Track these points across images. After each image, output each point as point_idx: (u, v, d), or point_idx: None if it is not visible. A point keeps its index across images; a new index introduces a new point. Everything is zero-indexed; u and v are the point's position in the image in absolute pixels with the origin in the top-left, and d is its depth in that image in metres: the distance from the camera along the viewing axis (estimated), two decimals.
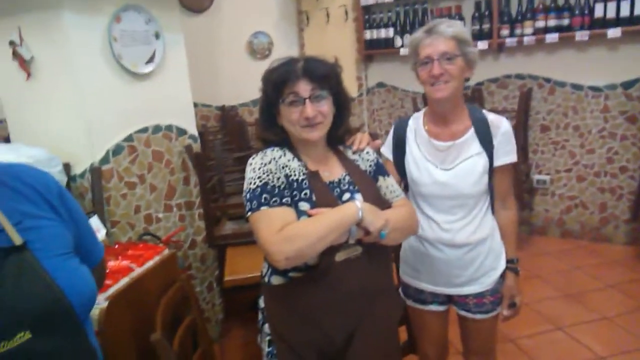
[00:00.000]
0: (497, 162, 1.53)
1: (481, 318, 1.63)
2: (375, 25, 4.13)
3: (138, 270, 1.55)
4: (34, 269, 0.82)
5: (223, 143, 3.54)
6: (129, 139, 2.28)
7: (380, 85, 4.37)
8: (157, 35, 2.34)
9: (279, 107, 1.29)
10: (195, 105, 4.00)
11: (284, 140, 1.33)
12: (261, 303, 1.39)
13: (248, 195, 1.23)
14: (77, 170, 2.16)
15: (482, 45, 3.60)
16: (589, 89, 3.46)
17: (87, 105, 2.11)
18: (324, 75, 1.27)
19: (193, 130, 2.61)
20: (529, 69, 3.66)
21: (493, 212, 1.62)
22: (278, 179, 1.23)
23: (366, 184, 1.34)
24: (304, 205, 1.22)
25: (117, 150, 2.23)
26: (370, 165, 1.40)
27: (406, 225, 1.32)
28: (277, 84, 1.26)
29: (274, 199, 1.20)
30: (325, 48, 4.38)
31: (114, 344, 1.39)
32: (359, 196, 1.28)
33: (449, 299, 1.67)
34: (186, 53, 2.56)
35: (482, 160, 1.52)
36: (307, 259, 1.19)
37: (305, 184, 1.25)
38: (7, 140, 2.41)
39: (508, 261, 1.63)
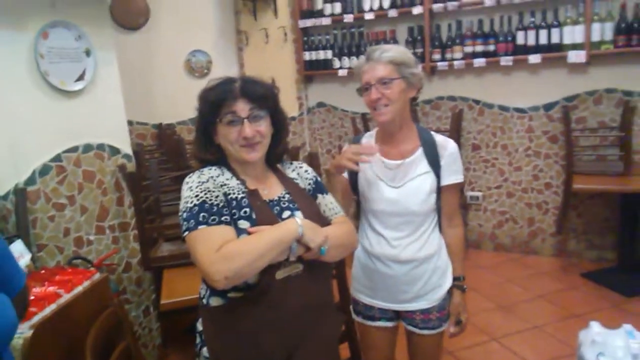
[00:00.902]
0: (444, 182, 1.58)
1: (428, 334, 1.66)
2: (314, 47, 4.21)
3: (66, 297, 1.45)
4: None
5: (160, 162, 3.44)
6: (57, 158, 2.17)
7: (321, 104, 4.43)
8: (87, 53, 2.26)
9: (217, 126, 1.28)
10: (131, 123, 3.89)
11: (221, 159, 1.32)
12: (199, 326, 1.34)
13: (185, 215, 1.20)
14: (0, 191, 2.02)
15: None
16: (515, 110, 3.69)
17: (11, 123, 1.99)
18: (262, 96, 1.28)
19: (127, 149, 2.53)
20: (459, 91, 3.85)
21: (440, 230, 1.66)
22: (217, 197, 1.21)
23: (306, 201, 1.35)
24: (243, 224, 1.21)
25: (44, 170, 2.11)
26: (309, 184, 1.41)
27: (346, 242, 1.33)
28: (214, 103, 1.26)
29: (212, 217, 1.18)
30: (265, 68, 4.40)
31: None
32: (299, 214, 1.29)
33: (397, 315, 1.69)
34: (121, 71, 2.49)
35: (430, 179, 1.57)
36: (247, 278, 1.17)
37: (245, 202, 1.24)
38: None
39: (455, 279, 1.66)
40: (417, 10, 3.71)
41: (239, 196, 1.24)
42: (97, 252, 2.33)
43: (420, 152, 1.59)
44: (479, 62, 3.58)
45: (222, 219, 1.19)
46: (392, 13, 3.82)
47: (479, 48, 3.60)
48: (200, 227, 1.17)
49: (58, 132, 2.17)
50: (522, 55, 3.43)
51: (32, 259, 1.89)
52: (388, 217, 1.60)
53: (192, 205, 1.20)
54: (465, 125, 3.88)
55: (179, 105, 4.29)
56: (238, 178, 1.29)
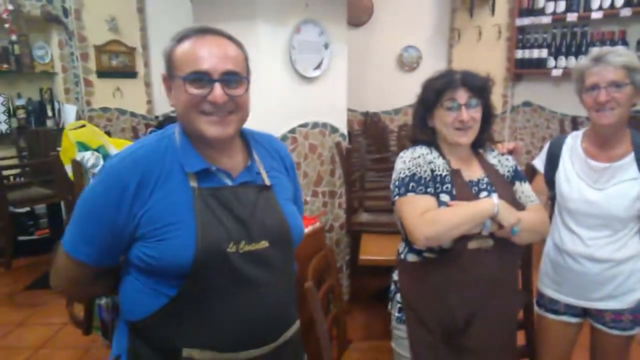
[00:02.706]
0: None
1: (617, 334, 1.65)
2: (529, 46, 4.13)
3: None
4: (275, 204, 1.15)
5: (365, 145, 3.86)
6: (293, 131, 2.68)
7: (526, 104, 4.34)
8: (326, 46, 2.71)
9: (435, 110, 1.50)
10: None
11: (432, 141, 1.55)
12: (394, 276, 1.62)
13: (397, 183, 1.47)
14: None
15: None
16: None
17: (263, 98, 2.53)
18: (480, 87, 1.47)
19: (344, 129, 2.95)
20: None
21: None
22: (425, 171, 1.46)
23: (503, 186, 1.51)
24: (444, 197, 1.43)
25: (282, 138, 2.64)
26: (508, 171, 1.56)
27: (537, 228, 1.46)
28: (438, 90, 1.47)
29: (419, 188, 1.43)
30: (473, 64, 4.45)
31: None
32: (495, 195, 1.45)
33: (584, 313, 1.71)
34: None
35: (638, 186, 1.56)
36: (443, 242, 1.40)
37: (448, 179, 1.46)
38: None
39: None
40: None
41: (443, 173, 1.47)
42: (311, 211, 2.81)
43: (631, 157, 1.58)
44: None
45: (428, 190, 1.43)
46: (625, 12, 3.54)
47: None
48: (409, 194, 1.43)
49: (296, 109, 2.67)
50: None
51: None
52: (585, 217, 1.63)
53: (404, 175, 1.46)
54: None
55: (386, 96, 4.68)
56: (444, 158, 1.51)
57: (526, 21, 4.09)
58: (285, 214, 1.16)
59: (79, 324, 1.71)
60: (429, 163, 1.48)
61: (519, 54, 4.18)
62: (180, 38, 1.08)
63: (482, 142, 1.58)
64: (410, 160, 1.49)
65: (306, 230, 1.96)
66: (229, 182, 1.12)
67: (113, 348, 1.20)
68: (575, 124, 3.74)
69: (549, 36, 4.04)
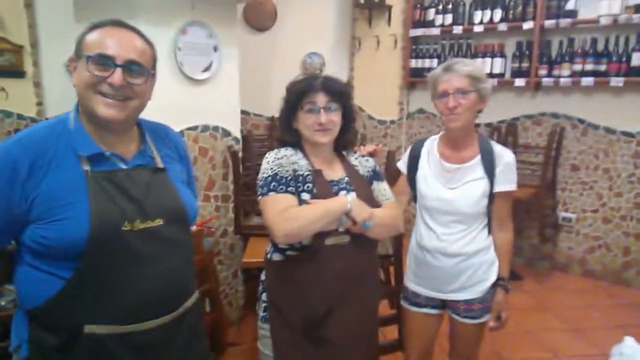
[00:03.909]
0: (497, 188, 1.72)
1: (469, 322, 1.80)
2: (421, 55, 4.37)
3: None
4: (170, 185, 1.25)
5: (268, 149, 3.87)
6: (180, 134, 2.63)
7: (421, 111, 4.59)
8: (215, 49, 2.70)
9: (297, 113, 1.55)
10: (248, 113, 4.40)
11: (297, 142, 1.60)
12: (262, 276, 1.65)
13: (261, 182, 1.51)
14: None
15: (520, 82, 3.77)
16: (622, 133, 3.53)
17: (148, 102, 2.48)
18: (338, 91, 1.54)
19: (237, 133, 2.95)
20: (564, 109, 3.78)
21: (489, 232, 1.79)
22: (287, 171, 1.50)
23: (361, 185, 1.59)
24: (305, 196, 1.48)
25: None
26: (368, 171, 1.65)
27: (390, 223, 1.55)
28: (299, 93, 1.53)
29: (280, 187, 1.47)
30: (372, 72, 4.67)
31: None
32: (353, 194, 1.52)
33: (443, 304, 1.85)
34: (246, 67, 2.91)
35: (483, 185, 1.72)
36: (302, 238, 1.45)
37: (309, 178, 1.51)
38: None
39: (499, 278, 1.78)
40: (527, 25, 3.72)
41: (305, 173, 1.52)
42: (202, 216, 2.77)
43: (478, 159, 1.73)
44: (587, 81, 3.49)
45: (288, 189, 1.47)
46: (502, 27, 3.86)
47: (589, 67, 3.51)
48: (270, 193, 1.46)
49: (184, 112, 2.63)
50: (636, 77, 3.29)
51: None
52: (440, 214, 1.77)
53: (267, 175, 1.50)
54: (566, 144, 3.79)
55: None
56: (307, 159, 1.56)
57: (419, 32, 4.32)
58: (180, 194, 1.26)
59: None
60: (292, 163, 1.53)
61: (413, 63, 4.41)
62: (95, 26, 1.16)
63: (344, 144, 1.65)
64: (274, 160, 1.53)
65: None
66: (123, 166, 1.18)
67: (12, 339, 1.21)
68: None
69: (439, 47, 4.30)
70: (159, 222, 1.17)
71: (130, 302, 1.13)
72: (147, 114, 2.49)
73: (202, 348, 1.40)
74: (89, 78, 1.11)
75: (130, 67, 1.14)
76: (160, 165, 1.26)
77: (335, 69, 4.75)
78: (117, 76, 1.11)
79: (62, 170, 1.10)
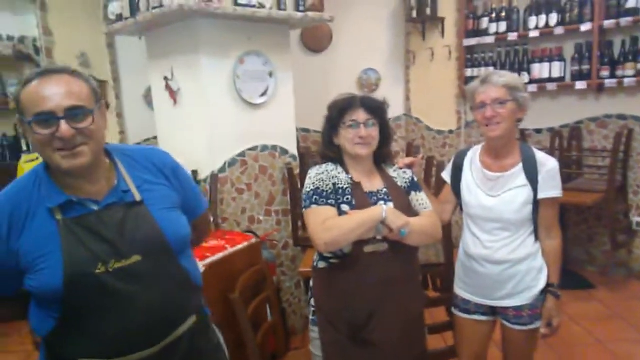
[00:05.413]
0: (540, 195, 1.75)
1: (519, 329, 1.81)
2: (477, 64, 4.36)
3: (230, 250, 2.06)
4: (147, 217, 1.22)
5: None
6: (242, 154, 2.87)
7: None
8: (270, 74, 2.91)
9: (339, 129, 1.68)
10: (307, 130, 4.62)
11: (338, 157, 1.73)
12: (311, 282, 1.79)
13: (304, 196, 1.65)
14: (202, 175, 2.79)
15: (581, 85, 3.67)
16: None
17: (213, 127, 2.73)
18: (377, 108, 1.68)
19: (294, 151, 3.14)
20: (630, 109, 3.62)
21: (536, 238, 1.80)
22: (327, 185, 1.63)
23: (399, 195, 1.69)
24: (345, 207, 1.61)
25: (232, 162, 2.82)
26: (405, 182, 1.74)
27: (427, 231, 1.63)
28: (341, 110, 1.68)
29: (321, 200, 1.61)
30: (428, 84, 4.72)
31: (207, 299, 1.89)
32: (390, 204, 1.63)
33: (493, 311, 1.88)
34: (304, 86, 3.09)
35: (526, 192, 1.75)
36: (341, 247, 1.57)
37: (349, 191, 1.64)
38: None
39: (549, 285, 1.79)
40: (585, 27, 3.62)
41: (345, 186, 1.65)
42: (264, 229, 2.98)
43: (520, 167, 1.77)
44: None
45: (329, 201, 1.61)
46: (559, 30, 3.78)
47: None
48: (313, 206, 1.60)
49: (244, 134, 2.86)
50: None
51: (216, 226, 2.59)
52: (483, 222, 1.82)
53: (309, 189, 1.64)
54: (637, 146, 3.62)
55: None
56: (348, 172, 1.69)
57: (473, 41, 4.32)
58: (160, 224, 1.23)
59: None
60: (333, 177, 1.66)
61: (469, 72, 4.40)
62: (25, 82, 1.14)
63: (383, 158, 1.77)
64: (315, 175, 1.67)
65: (241, 246, 2.14)
66: (94, 207, 1.18)
67: None
68: (524, 136, 3.95)
69: (494, 55, 4.27)
70: (136, 258, 1.17)
71: (112, 338, 1.16)
72: (212, 139, 2.75)
73: None
74: (39, 140, 1.12)
75: (72, 114, 1.12)
76: (138, 197, 1.23)
77: (391, 83, 4.85)
78: (64, 128, 1.10)
79: (37, 223, 1.14)
